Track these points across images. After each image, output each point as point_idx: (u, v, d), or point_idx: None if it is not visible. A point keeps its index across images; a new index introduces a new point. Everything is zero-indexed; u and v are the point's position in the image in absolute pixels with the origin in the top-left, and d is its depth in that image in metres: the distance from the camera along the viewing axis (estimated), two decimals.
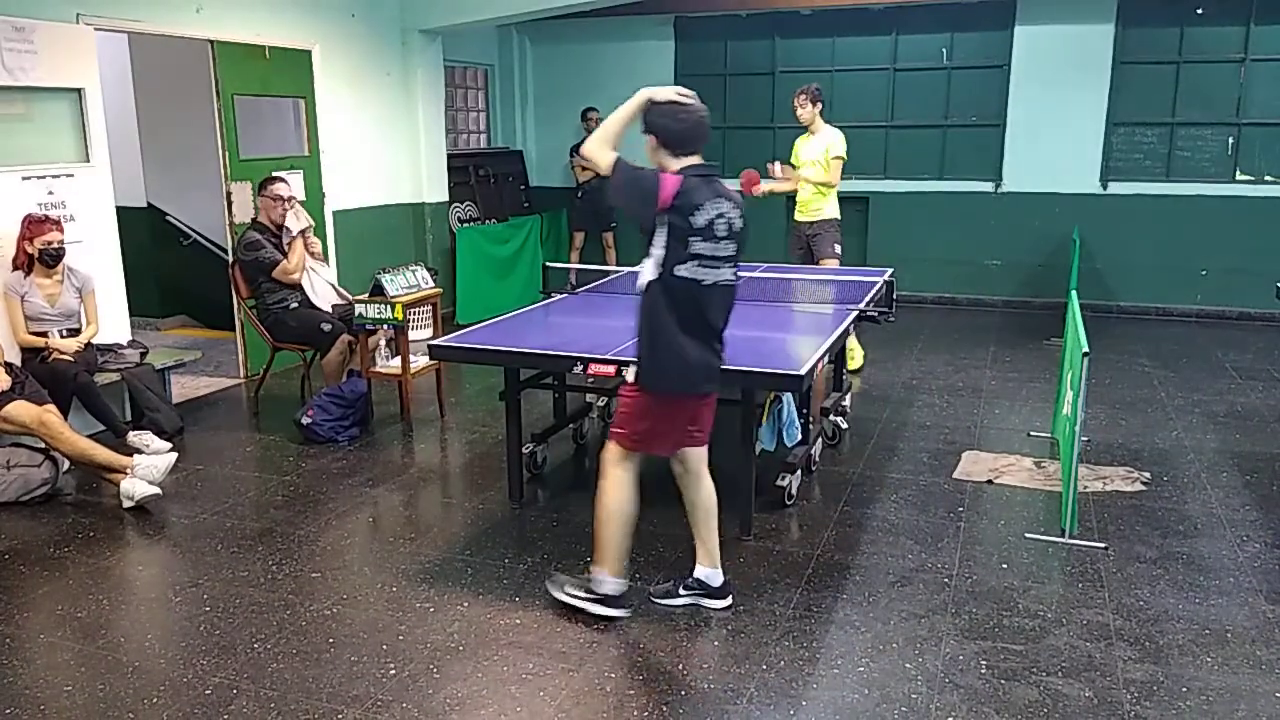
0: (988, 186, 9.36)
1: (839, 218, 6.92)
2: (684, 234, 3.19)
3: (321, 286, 6.11)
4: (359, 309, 5.65)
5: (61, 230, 5.21)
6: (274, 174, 6.26)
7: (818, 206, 6.88)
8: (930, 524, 4.35)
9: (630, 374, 3.40)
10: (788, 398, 4.50)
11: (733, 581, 3.68)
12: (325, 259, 6.40)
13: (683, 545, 4.12)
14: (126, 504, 4.55)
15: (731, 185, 3.56)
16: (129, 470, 4.60)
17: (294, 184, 6.54)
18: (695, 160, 3.29)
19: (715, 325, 3.38)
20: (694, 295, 3.26)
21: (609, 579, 3.48)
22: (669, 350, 3.29)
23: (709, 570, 3.62)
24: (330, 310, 6.02)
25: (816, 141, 6.87)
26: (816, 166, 6.82)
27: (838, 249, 6.87)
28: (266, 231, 5.96)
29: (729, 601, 3.61)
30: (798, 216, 7.05)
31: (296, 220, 6.01)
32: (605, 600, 3.49)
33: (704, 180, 3.26)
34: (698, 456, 3.58)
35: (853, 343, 6.88)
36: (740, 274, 3.40)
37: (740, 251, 3.35)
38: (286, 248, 5.96)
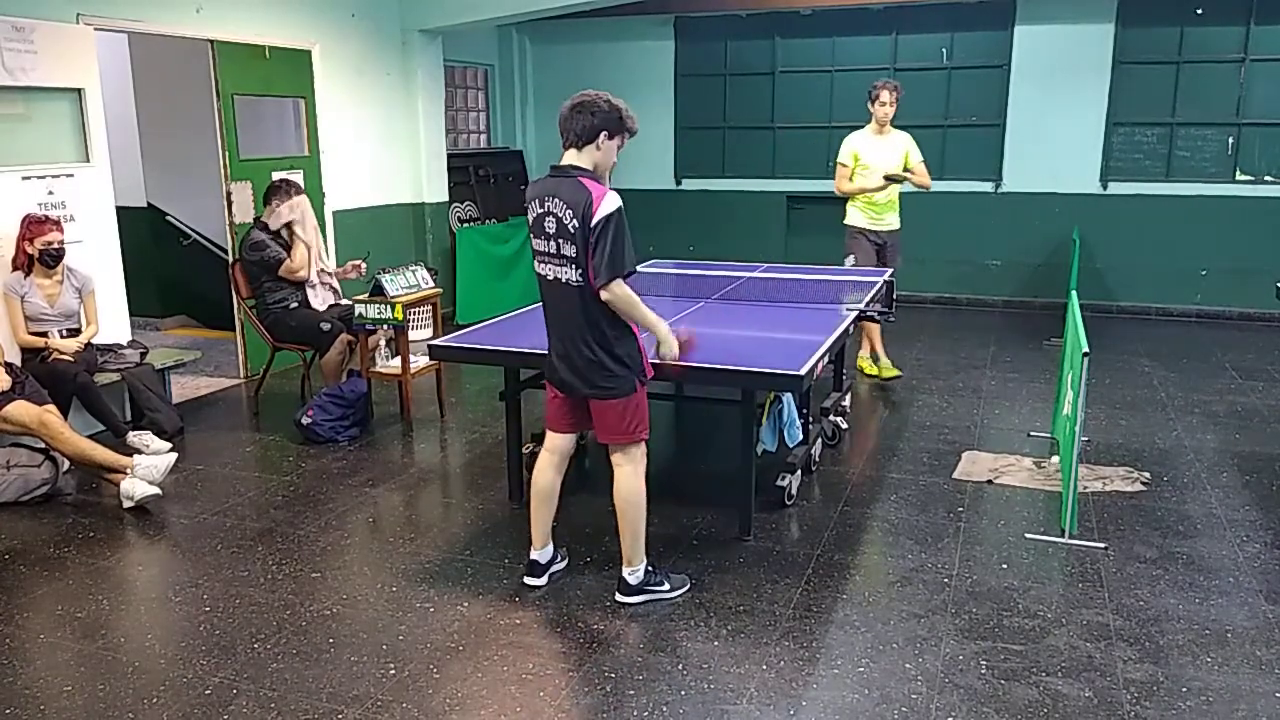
0: (988, 186, 9.36)
1: None
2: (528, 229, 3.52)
3: (322, 292, 6.10)
4: (359, 309, 5.65)
5: (61, 230, 5.21)
6: (282, 178, 6.17)
7: (892, 214, 6.59)
8: (930, 524, 4.35)
9: None
10: (788, 398, 4.49)
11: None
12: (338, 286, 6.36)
13: (684, 547, 4.13)
14: (126, 504, 4.55)
15: None
16: (129, 470, 4.60)
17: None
18: (564, 158, 3.39)
19: (556, 325, 3.50)
20: (542, 291, 3.53)
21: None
22: None
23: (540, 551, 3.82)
24: (329, 310, 6.02)
25: (893, 144, 6.49)
26: (894, 172, 6.43)
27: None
28: (270, 232, 5.95)
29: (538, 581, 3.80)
30: (873, 225, 6.61)
31: (291, 212, 5.96)
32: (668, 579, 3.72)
33: (547, 179, 3.40)
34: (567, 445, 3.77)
35: (884, 361, 6.73)
36: (575, 277, 3.34)
37: (581, 253, 3.28)
38: (290, 242, 5.95)
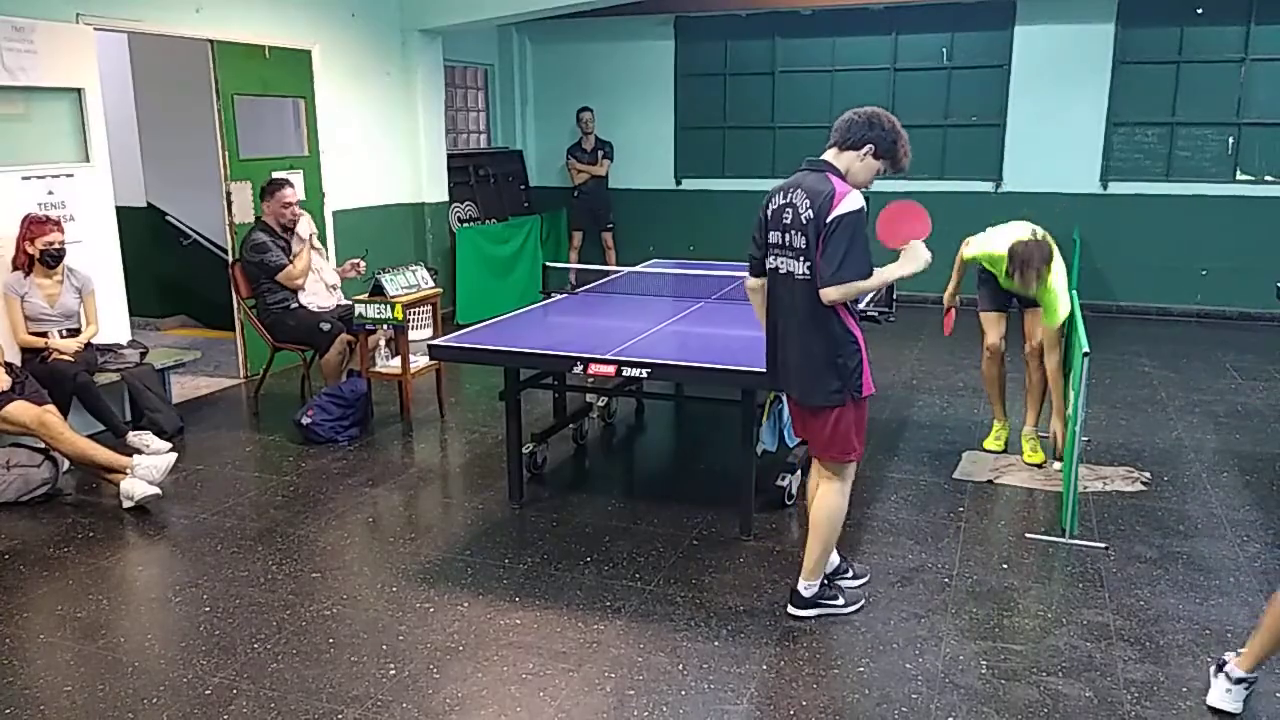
0: (988, 186, 9.36)
1: None
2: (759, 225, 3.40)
3: (321, 294, 6.10)
4: (359, 309, 5.65)
5: (62, 231, 5.21)
6: (277, 176, 6.22)
7: None
8: (930, 524, 4.35)
9: None
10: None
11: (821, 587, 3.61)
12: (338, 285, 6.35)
13: (684, 547, 4.13)
14: (126, 504, 4.55)
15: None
16: (129, 470, 4.60)
17: (294, 184, 6.54)
18: (824, 154, 3.32)
19: (780, 323, 3.39)
20: (770, 286, 3.41)
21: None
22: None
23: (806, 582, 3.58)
24: (328, 310, 6.02)
25: None
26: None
27: None
28: (272, 233, 5.95)
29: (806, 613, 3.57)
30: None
31: (308, 226, 6.02)
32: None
33: (796, 173, 3.32)
34: (813, 465, 3.57)
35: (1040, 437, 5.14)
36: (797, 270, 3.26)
37: (811, 246, 3.16)
38: (294, 255, 5.95)
